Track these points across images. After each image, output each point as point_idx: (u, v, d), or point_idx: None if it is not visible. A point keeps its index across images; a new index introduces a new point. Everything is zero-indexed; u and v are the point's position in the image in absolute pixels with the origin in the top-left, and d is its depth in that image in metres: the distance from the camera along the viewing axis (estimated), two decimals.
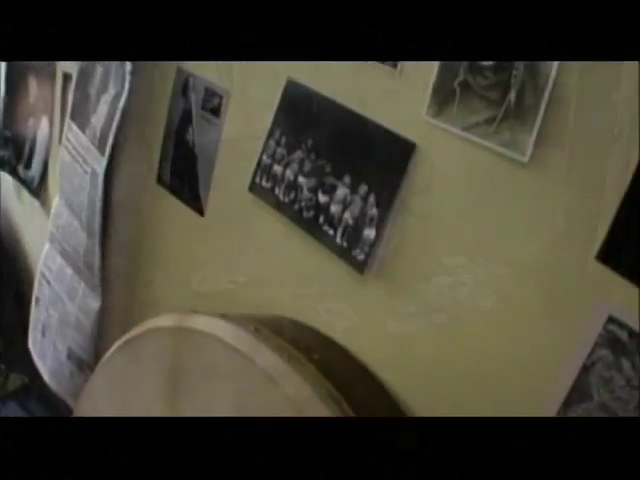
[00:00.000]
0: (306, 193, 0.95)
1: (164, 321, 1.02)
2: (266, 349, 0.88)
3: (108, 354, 1.13)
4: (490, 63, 0.75)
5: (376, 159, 0.87)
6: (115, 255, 1.39)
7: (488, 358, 0.79)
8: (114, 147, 1.28)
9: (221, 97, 1.13)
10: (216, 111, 1.14)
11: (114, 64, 1.30)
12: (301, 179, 0.96)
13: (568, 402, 0.71)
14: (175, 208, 1.27)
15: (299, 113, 0.98)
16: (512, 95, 0.74)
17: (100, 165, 1.30)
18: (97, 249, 1.34)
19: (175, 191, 1.26)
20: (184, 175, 1.22)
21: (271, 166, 1.01)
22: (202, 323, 0.96)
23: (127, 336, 1.08)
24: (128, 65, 1.24)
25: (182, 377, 0.98)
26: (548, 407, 0.72)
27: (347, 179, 0.90)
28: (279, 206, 1.00)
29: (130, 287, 1.42)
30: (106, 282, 1.39)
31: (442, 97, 0.80)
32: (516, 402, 0.76)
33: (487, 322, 0.79)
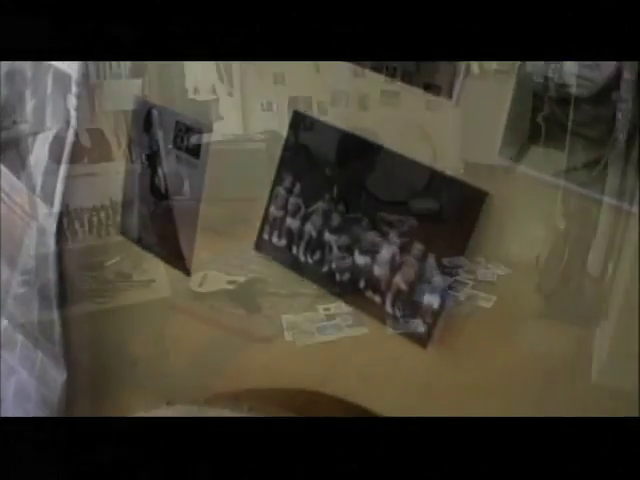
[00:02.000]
0: (337, 252, 0.79)
1: None
2: None
3: None
4: (587, 94, 0.61)
5: (434, 212, 0.71)
6: (75, 320, 1.18)
7: None
8: (64, 196, 1.07)
9: (200, 132, 0.94)
10: (195, 150, 0.95)
11: (49, 97, 1.09)
12: (328, 235, 0.80)
13: None
14: (147, 262, 1.07)
15: (315, 155, 0.80)
16: (622, 133, 0.60)
17: (49, 221, 1.08)
18: (56, 317, 1.13)
19: (146, 246, 1.06)
20: (158, 227, 1.03)
21: (283, 219, 0.84)
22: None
23: None
24: (72, 99, 1.02)
25: None
26: None
27: (394, 237, 0.74)
28: (299, 267, 0.83)
29: (97, 354, 1.21)
30: (69, 351, 1.19)
31: (520, 134, 0.65)
32: None
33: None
